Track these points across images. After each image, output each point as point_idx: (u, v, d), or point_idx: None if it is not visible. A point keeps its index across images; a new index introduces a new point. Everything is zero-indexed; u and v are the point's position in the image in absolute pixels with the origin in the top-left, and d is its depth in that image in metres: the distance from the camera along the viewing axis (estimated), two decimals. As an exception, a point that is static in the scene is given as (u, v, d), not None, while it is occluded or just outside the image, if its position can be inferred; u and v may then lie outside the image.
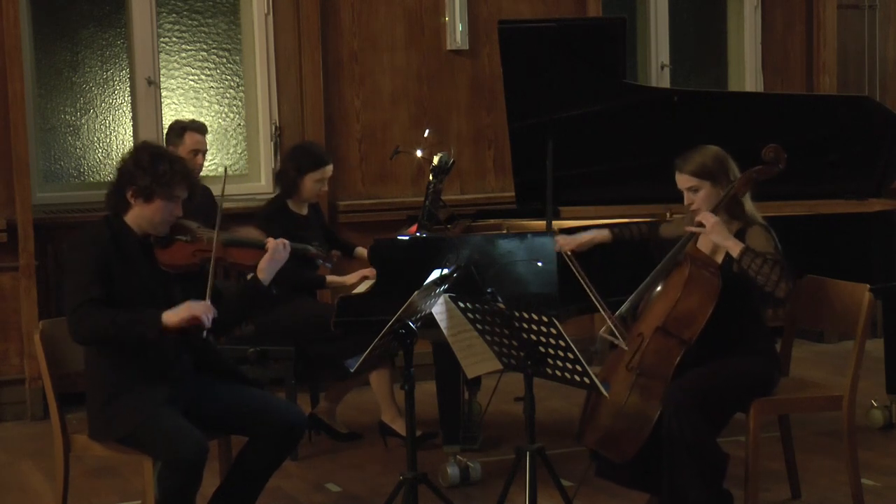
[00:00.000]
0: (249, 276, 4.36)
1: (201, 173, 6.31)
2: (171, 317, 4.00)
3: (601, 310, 4.41)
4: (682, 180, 4.49)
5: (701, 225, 4.37)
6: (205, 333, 4.11)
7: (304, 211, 5.93)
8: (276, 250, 4.28)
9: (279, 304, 4.45)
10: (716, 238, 4.36)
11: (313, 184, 5.84)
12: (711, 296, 4.29)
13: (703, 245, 4.50)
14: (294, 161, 5.84)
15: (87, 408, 4.20)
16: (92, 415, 4.18)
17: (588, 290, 4.44)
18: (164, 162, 4.14)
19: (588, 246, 4.83)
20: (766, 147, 4.50)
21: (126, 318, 3.99)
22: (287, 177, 5.84)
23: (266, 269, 4.26)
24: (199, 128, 6.35)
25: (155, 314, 4.00)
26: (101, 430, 4.16)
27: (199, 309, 4.02)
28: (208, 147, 6.49)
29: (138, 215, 4.16)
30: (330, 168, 5.93)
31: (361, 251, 6.09)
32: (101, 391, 4.12)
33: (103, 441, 4.18)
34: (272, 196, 6.20)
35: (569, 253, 4.72)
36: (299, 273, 5.53)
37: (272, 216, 5.79)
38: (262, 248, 4.31)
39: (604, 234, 4.82)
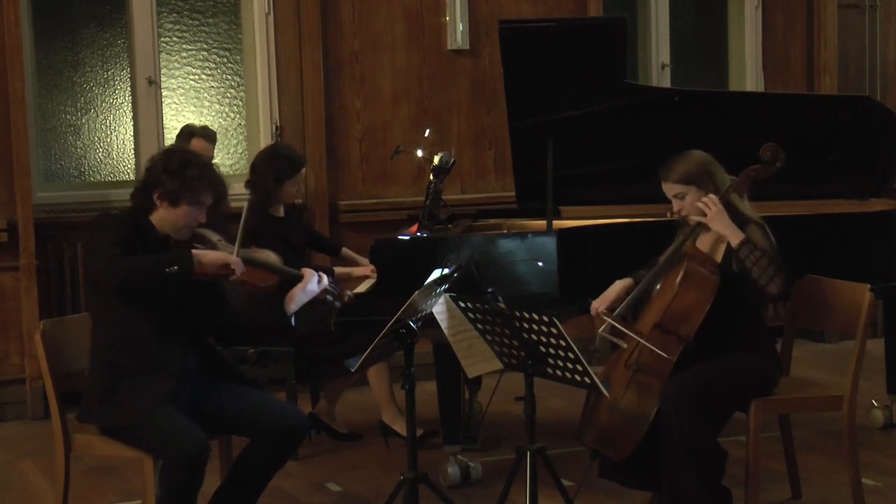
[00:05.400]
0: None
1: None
2: (205, 254, 4.06)
3: (644, 342, 4.34)
4: (667, 189, 4.49)
5: (703, 214, 4.36)
6: (232, 277, 4.14)
7: (282, 213, 5.86)
8: (310, 283, 4.31)
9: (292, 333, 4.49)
10: (717, 225, 4.35)
11: (291, 188, 5.77)
12: (708, 292, 4.29)
13: (703, 245, 4.50)
14: (271, 170, 5.71)
15: (86, 390, 4.19)
16: (90, 398, 4.17)
17: (637, 339, 4.34)
18: (193, 167, 4.15)
19: (620, 298, 4.56)
20: (764, 146, 4.50)
21: (157, 257, 4.02)
22: (264, 186, 5.71)
23: (296, 298, 4.29)
24: (208, 135, 6.37)
25: (185, 251, 4.04)
26: (96, 414, 4.15)
27: (231, 258, 4.09)
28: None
29: (162, 217, 4.17)
30: (304, 170, 5.88)
31: (347, 252, 6.09)
32: (106, 375, 4.12)
33: (94, 424, 4.18)
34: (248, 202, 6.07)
35: (605, 311, 4.50)
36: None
37: (257, 227, 5.65)
38: (277, 274, 4.33)
39: (628, 283, 4.59)
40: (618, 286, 4.59)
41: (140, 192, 4.21)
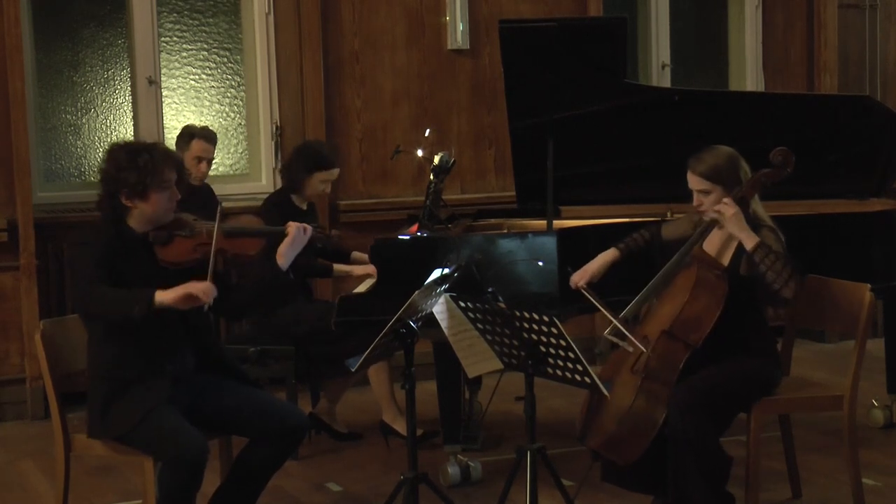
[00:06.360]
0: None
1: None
2: (166, 295, 3.93)
3: (621, 328, 4.36)
4: (694, 181, 4.45)
5: (720, 213, 4.34)
6: (205, 307, 4.02)
7: (304, 207, 5.96)
8: (297, 235, 4.28)
9: (291, 293, 4.47)
10: (732, 227, 4.32)
11: (319, 183, 5.88)
12: (718, 299, 4.28)
13: (710, 247, 4.49)
14: (305, 158, 5.87)
15: (87, 404, 4.19)
16: (92, 411, 4.17)
17: (611, 318, 4.38)
18: (142, 154, 4.11)
19: (601, 272, 4.66)
20: (775, 150, 4.45)
21: (122, 294, 3.95)
22: (295, 172, 5.86)
23: (286, 253, 4.26)
24: (208, 136, 6.37)
25: (147, 292, 3.93)
26: (99, 427, 4.16)
27: (197, 287, 3.96)
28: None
29: (140, 214, 4.14)
30: (337, 171, 5.99)
31: (358, 255, 6.10)
32: (103, 387, 4.12)
33: (101, 439, 4.18)
34: (275, 190, 6.21)
35: (584, 286, 4.58)
36: (307, 261, 5.51)
37: (277, 205, 5.86)
38: (262, 237, 4.30)
39: (612, 254, 4.68)
40: (600, 259, 4.65)
41: (106, 201, 4.17)
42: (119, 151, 4.16)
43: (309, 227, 4.34)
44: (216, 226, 4.15)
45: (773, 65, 8.14)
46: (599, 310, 4.48)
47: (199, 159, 6.23)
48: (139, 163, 4.08)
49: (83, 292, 3.99)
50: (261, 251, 4.30)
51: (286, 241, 4.27)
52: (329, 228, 5.01)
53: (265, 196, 7.09)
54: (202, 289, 3.96)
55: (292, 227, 4.30)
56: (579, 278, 4.63)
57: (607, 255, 4.68)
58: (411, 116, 7.30)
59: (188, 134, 6.34)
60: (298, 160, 5.89)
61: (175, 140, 6.41)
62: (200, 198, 5.95)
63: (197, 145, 6.27)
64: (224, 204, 6.43)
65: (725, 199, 4.35)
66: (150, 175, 4.08)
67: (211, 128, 6.64)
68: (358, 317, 5.01)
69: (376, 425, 5.86)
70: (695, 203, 4.47)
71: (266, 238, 4.31)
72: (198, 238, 4.21)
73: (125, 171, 4.08)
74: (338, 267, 5.86)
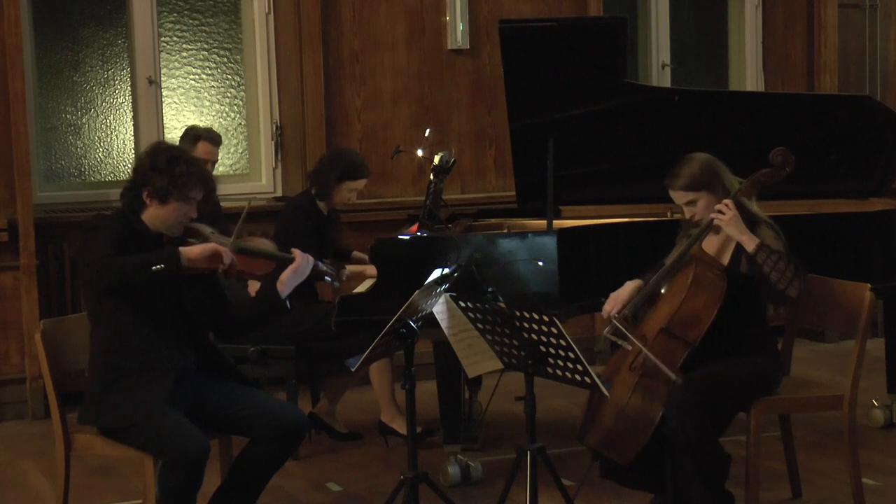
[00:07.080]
0: (255, 292, 4.34)
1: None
2: (192, 250, 4.00)
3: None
4: (677, 196, 4.45)
5: (719, 218, 4.33)
6: (220, 270, 4.08)
7: (326, 212, 5.95)
8: (301, 265, 4.30)
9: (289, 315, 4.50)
10: (731, 230, 4.32)
11: (348, 192, 5.87)
12: (716, 297, 4.28)
13: (709, 247, 4.49)
14: (338, 166, 5.84)
15: (86, 393, 4.19)
16: (87, 399, 4.17)
17: (640, 347, 4.30)
18: (180, 164, 4.15)
19: (631, 301, 4.54)
20: (774, 150, 4.46)
21: (145, 256, 3.99)
22: (326, 179, 5.83)
23: (287, 281, 4.28)
24: (214, 138, 6.36)
25: (173, 249, 4.00)
26: (93, 415, 4.15)
27: (220, 248, 4.04)
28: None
29: (153, 215, 4.17)
30: (366, 181, 5.97)
31: (358, 254, 6.09)
32: (102, 376, 4.12)
33: (93, 426, 4.18)
34: (299, 192, 6.25)
35: (617, 315, 4.45)
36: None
37: (301, 209, 5.86)
38: (272, 260, 4.32)
39: (637, 284, 4.56)
40: (629, 287, 4.55)
41: (129, 191, 4.21)
42: (161, 153, 4.20)
43: (310, 258, 4.35)
44: (232, 240, 4.20)
45: (773, 65, 8.14)
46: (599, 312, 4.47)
47: (204, 161, 6.22)
48: (174, 171, 4.12)
49: (101, 265, 3.97)
50: (268, 274, 4.32)
51: (290, 268, 4.30)
52: (340, 268, 5.05)
53: (264, 196, 7.12)
54: (223, 249, 4.04)
55: (298, 255, 4.32)
56: (611, 307, 4.49)
57: (635, 284, 4.56)
58: (411, 116, 7.30)
59: (194, 135, 6.33)
60: (331, 167, 5.85)
61: (179, 141, 6.40)
62: (212, 200, 5.94)
63: (202, 147, 6.26)
64: (223, 204, 6.49)
65: (726, 201, 4.34)
66: (179, 187, 4.12)
67: (214, 130, 6.64)
68: (358, 317, 5.01)
69: (376, 425, 5.86)
70: (687, 216, 4.47)
71: (276, 263, 4.33)
72: None
73: (157, 172, 4.13)
74: (351, 268, 5.84)
